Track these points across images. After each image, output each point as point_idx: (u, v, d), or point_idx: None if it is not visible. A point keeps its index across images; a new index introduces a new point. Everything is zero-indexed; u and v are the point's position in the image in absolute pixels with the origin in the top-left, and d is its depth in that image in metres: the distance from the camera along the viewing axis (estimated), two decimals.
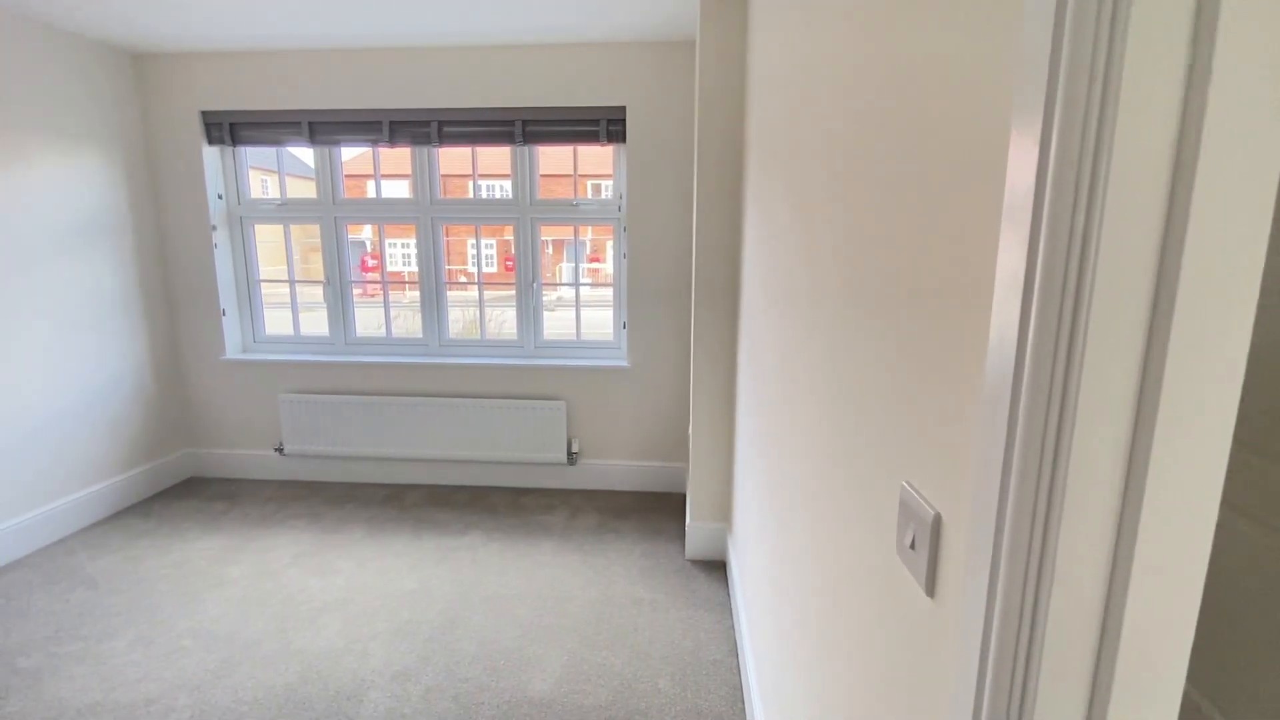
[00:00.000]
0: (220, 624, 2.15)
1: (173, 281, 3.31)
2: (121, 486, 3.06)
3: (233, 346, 3.39)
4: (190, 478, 3.45)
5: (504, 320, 3.58)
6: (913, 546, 0.59)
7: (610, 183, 3.22)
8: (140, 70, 3.10)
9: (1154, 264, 0.35)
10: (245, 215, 3.33)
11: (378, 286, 3.64)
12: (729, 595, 2.35)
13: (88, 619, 2.18)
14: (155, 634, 2.10)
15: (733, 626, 2.16)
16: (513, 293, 3.32)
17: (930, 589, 0.56)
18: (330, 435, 3.32)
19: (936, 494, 0.56)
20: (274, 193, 3.45)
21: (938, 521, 0.55)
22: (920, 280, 0.60)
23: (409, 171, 3.27)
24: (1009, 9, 0.45)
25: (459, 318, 3.44)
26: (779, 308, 1.35)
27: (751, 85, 2.03)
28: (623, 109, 2.99)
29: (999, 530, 0.42)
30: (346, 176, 3.36)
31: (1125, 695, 0.39)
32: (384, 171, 3.37)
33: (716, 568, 2.55)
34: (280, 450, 3.37)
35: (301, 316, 3.49)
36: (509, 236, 3.41)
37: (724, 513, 2.60)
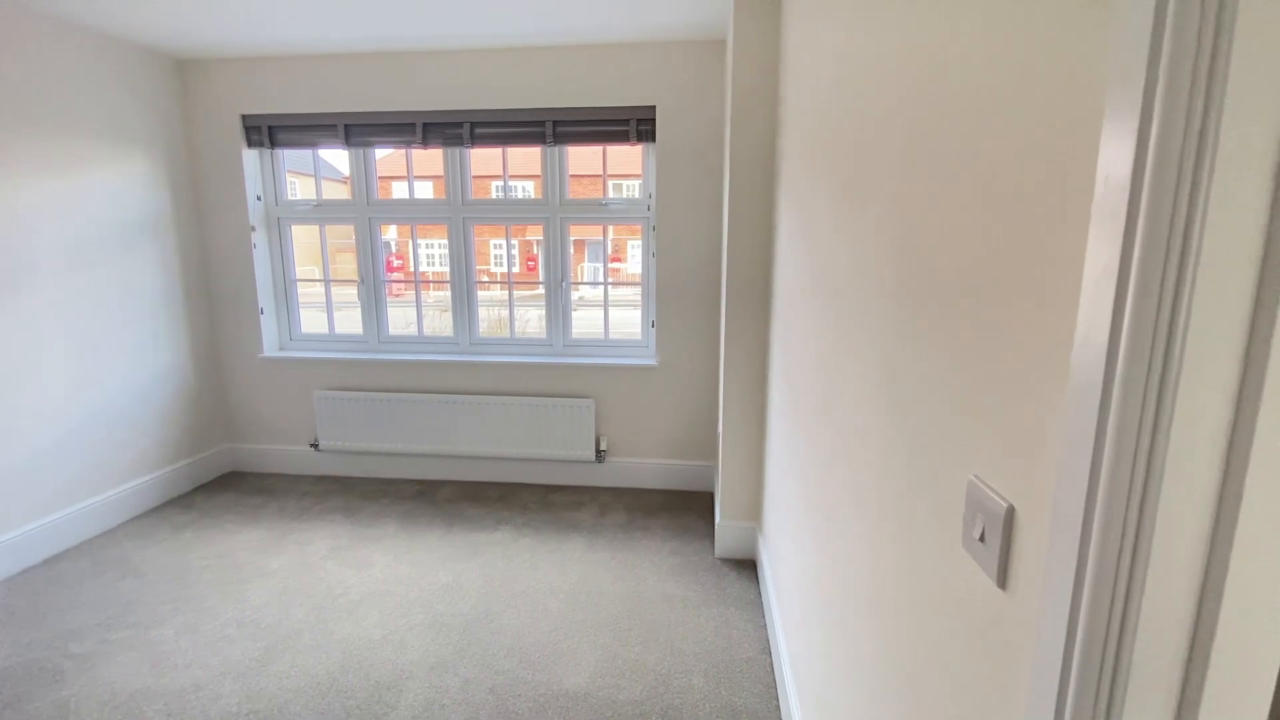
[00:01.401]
0: (263, 614, 2.21)
1: (213, 281, 3.40)
2: (165, 480, 3.16)
3: (270, 344, 3.47)
4: (229, 472, 3.55)
5: (527, 320, 3.61)
6: (982, 539, 0.59)
7: (635, 182, 3.23)
8: (184, 76, 3.20)
9: (1258, 255, 0.36)
10: (282, 216, 3.41)
11: (402, 286, 3.70)
12: (760, 594, 2.34)
13: (136, 606, 2.26)
14: (201, 622, 2.16)
15: (765, 625, 2.16)
16: (533, 292, 3.35)
17: (1002, 581, 0.56)
18: (364, 431, 3.38)
19: (1008, 487, 0.56)
20: (302, 195, 3.53)
21: (1010, 514, 0.55)
22: (987, 275, 0.60)
23: (438, 172, 3.32)
24: None
25: (484, 317, 3.48)
26: (822, 306, 1.35)
27: (786, 82, 2.03)
28: (653, 108, 3.01)
29: (1087, 523, 0.42)
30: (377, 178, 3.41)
31: (1218, 688, 0.40)
32: (400, 172, 3.43)
33: (747, 566, 2.55)
34: (315, 446, 3.44)
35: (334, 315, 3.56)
36: (530, 236, 3.44)
37: (754, 511, 2.60)
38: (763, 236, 2.37)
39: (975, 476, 0.61)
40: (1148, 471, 0.39)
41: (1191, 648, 0.40)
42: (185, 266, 3.27)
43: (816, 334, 1.41)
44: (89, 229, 2.76)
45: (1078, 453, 0.43)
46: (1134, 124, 0.38)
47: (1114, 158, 0.40)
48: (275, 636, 2.08)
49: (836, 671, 1.19)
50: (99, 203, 2.80)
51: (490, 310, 3.57)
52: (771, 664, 1.97)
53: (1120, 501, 0.40)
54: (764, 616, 2.21)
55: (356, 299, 3.46)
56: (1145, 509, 0.39)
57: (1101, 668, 0.42)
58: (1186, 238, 0.36)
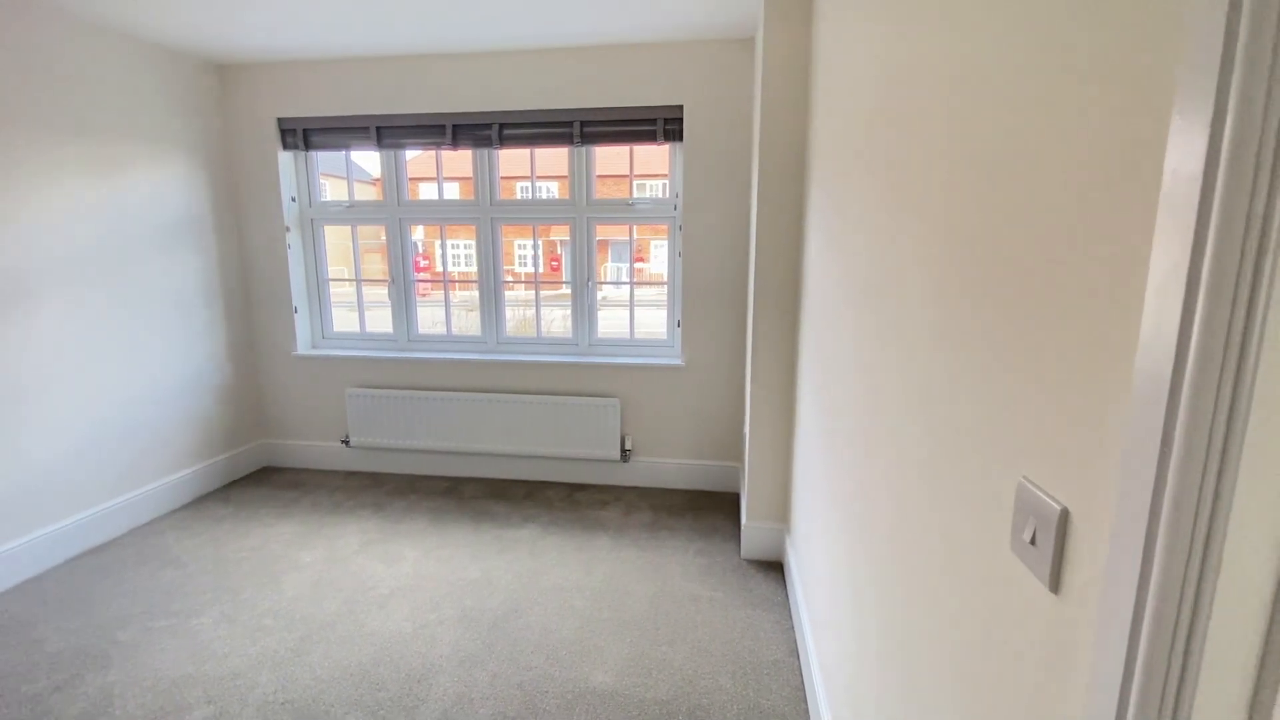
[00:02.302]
0: (297, 605, 2.26)
1: (249, 280, 3.49)
2: (203, 473, 3.25)
3: (303, 342, 3.55)
4: (264, 467, 3.63)
5: (551, 319, 3.63)
6: (1033, 542, 0.58)
7: (660, 182, 3.23)
8: (224, 80, 3.28)
9: None
10: (316, 217, 3.48)
11: (430, 285, 3.75)
12: (787, 596, 2.33)
13: (177, 596, 2.32)
14: (238, 613, 2.22)
15: (792, 627, 2.14)
16: (557, 292, 3.37)
17: (1054, 585, 0.55)
18: (393, 428, 3.44)
19: (1062, 489, 0.55)
20: (333, 197, 3.60)
21: (1064, 516, 0.54)
22: (1037, 274, 0.59)
23: (466, 174, 3.36)
24: None
25: (510, 316, 3.52)
26: (860, 305, 1.33)
27: (817, 80, 2.01)
28: (680, 108, 3.00)
29: (1152, 526, 0.41)
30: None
31: None
32: (430, 174, 3.47)
33: (773, 568, 2.53)
34: (346, 442, 3.51)
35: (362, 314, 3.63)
36: (555, 237, 3.46)
37: (781, 513, 2.58)
38: (792, 236, 2.35)
39: (1025, 478, 0.60)
40: (1219, 476, 0.38)
41: (1263, 657, 0.39)
42: (223, 266, 3.35)
43: (853, 334, 1.40)
44: (133, 229, 2.85)
45: (1142, 456, 0.42)
46: (1207, 114, 0.37)
47: (1184, 150, 0.39)
48: (309, 628, 2.13)
49: (870, 676, 1.18)
50: (143, 204, 2.89)
51: (516, 310, 3.60)
52: (799, 667, 1.95)
53: (1189, 506, 0.39)
54: (791, 619, 2.19)
55: (386, 298, 3.52)
56: (1216, 514, 0.38)
57: (1167, 677, 0.41)
58: (1264, 232, 0.35)
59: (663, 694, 1.84)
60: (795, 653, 2.02)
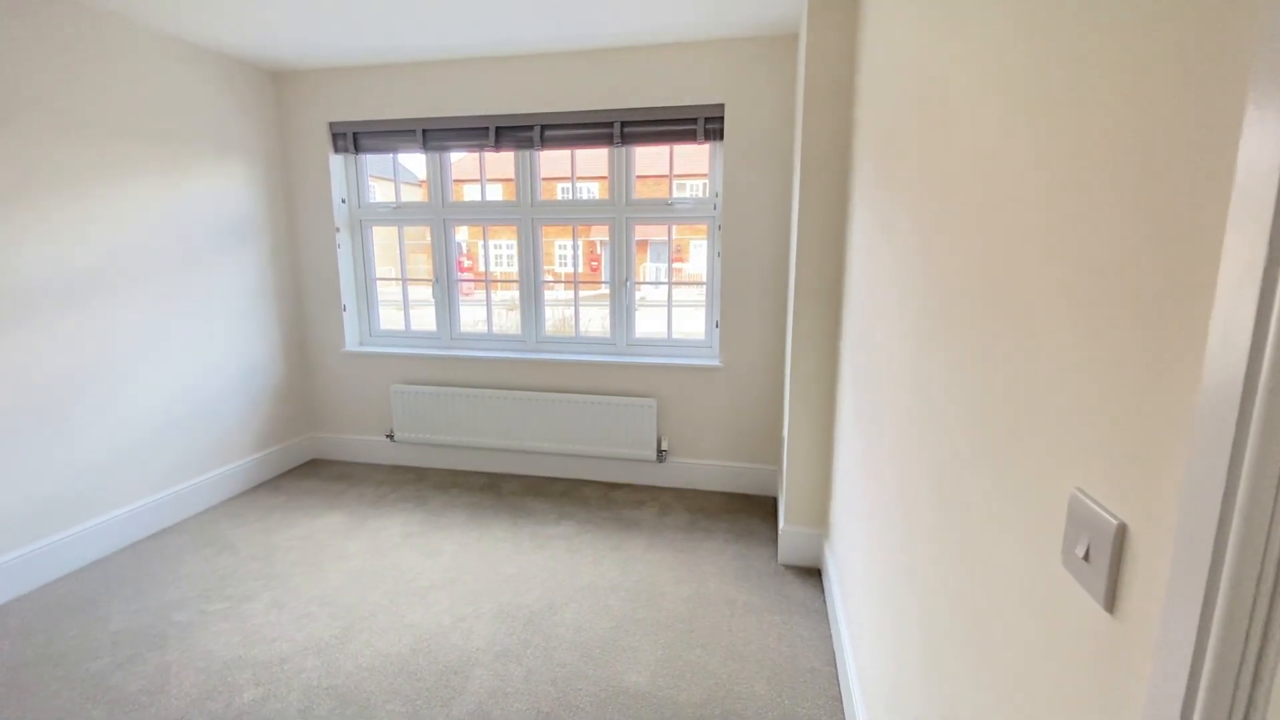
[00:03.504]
0: (342, 594, 2.33)
1: (301, 279, 3.62)
2: (256, 464, 3.39)
3: (351, 340, 3.66)
4: (313, 459, 3.77)
5: (589, 319, 3.65)
6: (1086, 558, 0.55)
7: (700, 181, 3.21)
8: (279, 87, 3.42)
9: None
10: (364, 218, 3.59)
11: (473, 285, 3.82)
12: (825, 603, 2.28)
13: (230, 581, 2.43)
14: (287, 599, 2.30)
15: (830, 635, 2.10)
16: (596, 292, 3.38)
17: (1109, 604, 0.52)
18: (436, 424, 3.52)
19: (1119, 502, 0.52)
20: (381, 199, 3.70)
21: (1121, 531, 0.51)
22: (1095, 276, 0.56)
23: (508, 175, 3.41)
24: None
25: (549, 316, 3.55)
26: (906, 308, 1.30)
27: (863, 78, 1.96)
28: (721, 106, 2.98)
29: (1219, 544, 0.38)
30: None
31: None
32: (473, 176, 3.53)
33: (811, 574, 2.49)
34: (391, 437, 3.60)
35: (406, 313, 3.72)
36: (594, 237, 3.48)
37: (820, 518, 2.53)
38: (834, 235, 2.31)
39: (1079, 490, 0.57)
40: None
41: None
42: (277, 266, 3.49)
43: (899, 335, 1.36)
44: (196, 231, 3.00)
45: (1209, 467, 0.39)
46: None
47: (1259, 141, 0.36)
48: (353, 617, 2.19)
49: (912, 690, 1.14)
50: (204, 206, 3.04)
51: (555, 310, 3.64)
52: (837, 675, 1.91)
53: (1260, 522, 0.36)
54: (829, 626, 2.15)
55: (430, 297, 3.60)
56: None
57: (1232, 709, 0.38)
58: None
59: (696, 697, 1.82)
60: (833, 662, 1.98)
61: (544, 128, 3.18)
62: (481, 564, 2.55)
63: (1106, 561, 0.52)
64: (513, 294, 3.52)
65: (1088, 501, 0.55)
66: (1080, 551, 0.55)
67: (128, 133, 2.66)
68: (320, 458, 3.79)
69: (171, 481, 2.94)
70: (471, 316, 3.83)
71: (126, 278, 2.69)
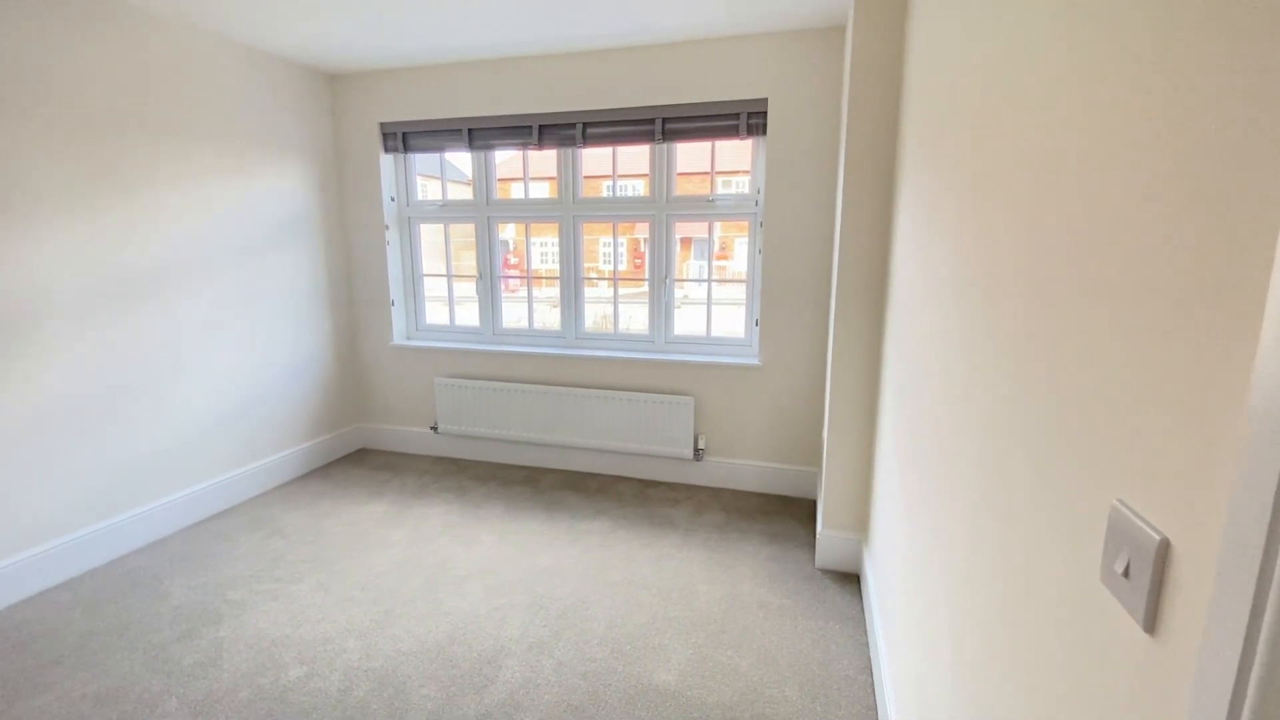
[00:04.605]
0: (384, 580, 2.40)
1: (352, 275, 3.75)
2: (308, 452, 3.53)
3: (399, 334, 3.77)
4: (360, 449, 3.90)
5: (630, 316, 3.65)
6: (1125, 574, 0.51)
7: (740, 178, 3.16)
8: (334, 89, 3.54)
9: None
10: (412, 216, 3.69)
11: (516, 282, 3.88)
12: (863, 610, 2.22)
13: (281, 563, 2.54)
14: (332, 582, 2.39)
15: (866, 643, 2.05)
16: (638, 289, 3.38)
17: (1149, 625, 0.48)
18: (477, 417, 3.59)
19: (1162, 516, 0.48)
20: (428, 197, 3.80)
21: (1164, 547, 0.47)
22: (1140, 280, 0.52)
23: (551, 173, 3.45)
24: None
25: (590, 313, 3.57)
26: (948, 308, 1.25)
27: (912, 71, 1.90)
28: (764, 101, 2.93)
29: (1267, 564, 0.35)
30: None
31: None
32: (517, 175, 3.58)
33: (849, 580, 2.43)
34: (435, 429, 3.70)
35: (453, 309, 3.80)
36: (638, 234, 3.47)
37: (860, 523, 2.47)
38: (879, 234, 2.24)
39: (1119, 501, 0.53)
40: None
41: None
42: (329, 262, 3.63)
43: (942, 337, 1.31)
44: (255, 228, 3.14)
45: (1258, 480, 0.36)
46: None
47: None
48: (393, 602, 2.26)
49: (942, 704, 1.10)
50: (264, 205, 3.18)
51: (596, 307, 3.66)
52: (872, 684, 1.86)
53: None
54: (866, 634, 2.09)
55: (474, 293, 3.68)
56: None
57: None
58: None
59: (726, 699, 1.80)
60: (868, 670, 1.93)
61: (586, 125, 3.20)
62: (518, 555, 2.59)
63: (1147, 580, 0.48)
64: (555, 292, 3.56)
65: (1129, 514, 0.52)
66: (1119, 567, 0.52)
67: (195, 134, 2.80)
68: (368, 447, 3.92)
69: (231, 466, 3.09)
70: (514, 313, 3.89)
71: (191, 272, 2.84)
